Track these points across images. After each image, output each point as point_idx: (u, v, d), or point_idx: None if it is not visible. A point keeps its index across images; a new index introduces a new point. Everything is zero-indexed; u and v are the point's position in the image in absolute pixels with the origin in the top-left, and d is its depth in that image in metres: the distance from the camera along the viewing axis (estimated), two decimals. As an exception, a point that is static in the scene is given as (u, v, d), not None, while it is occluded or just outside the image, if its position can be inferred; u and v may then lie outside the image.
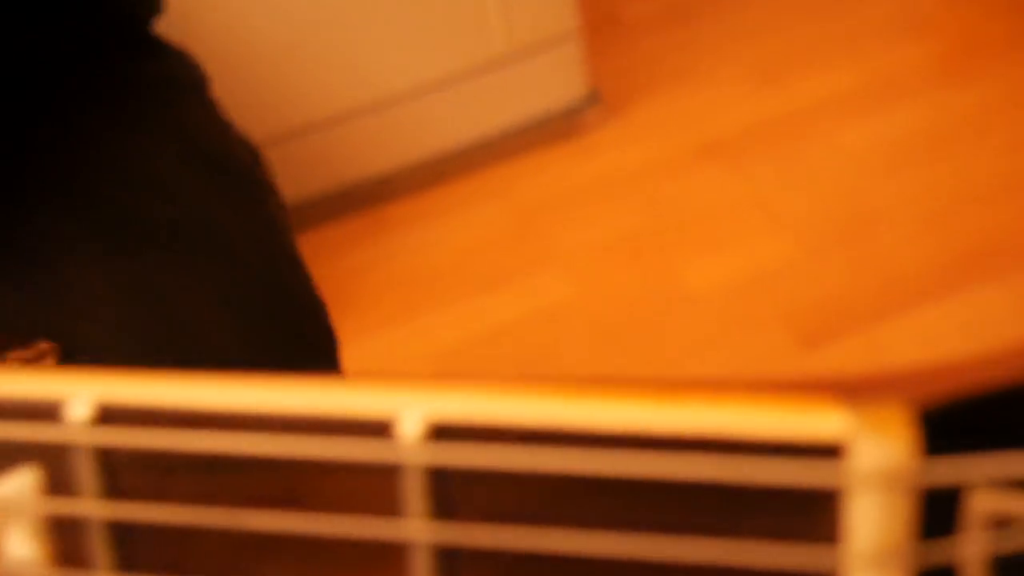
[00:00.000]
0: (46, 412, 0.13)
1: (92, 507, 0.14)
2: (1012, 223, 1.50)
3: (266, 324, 0.51)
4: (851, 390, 0.11)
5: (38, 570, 0.13)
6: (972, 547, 0.10)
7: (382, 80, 1.69)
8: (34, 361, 0.38)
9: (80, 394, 0.13)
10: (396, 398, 0.12)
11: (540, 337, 1.52)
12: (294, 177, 1.71)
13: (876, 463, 0.10)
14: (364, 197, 1.81)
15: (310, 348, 0.55)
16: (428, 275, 1.68)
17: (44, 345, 0.38)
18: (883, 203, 1.59)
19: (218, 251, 0.52)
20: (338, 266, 1.74)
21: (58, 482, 0.14)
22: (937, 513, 0.10)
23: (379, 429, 0.13)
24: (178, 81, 0.63)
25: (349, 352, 0.62)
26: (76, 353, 0.40)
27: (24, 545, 0.14)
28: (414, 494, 0.12)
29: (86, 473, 0.13)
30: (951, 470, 0.10)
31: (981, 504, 0.10)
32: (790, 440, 0.11)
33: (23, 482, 0.13)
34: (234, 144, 0.63)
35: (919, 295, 1.43)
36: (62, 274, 0.47)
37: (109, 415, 0.13)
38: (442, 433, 0.13)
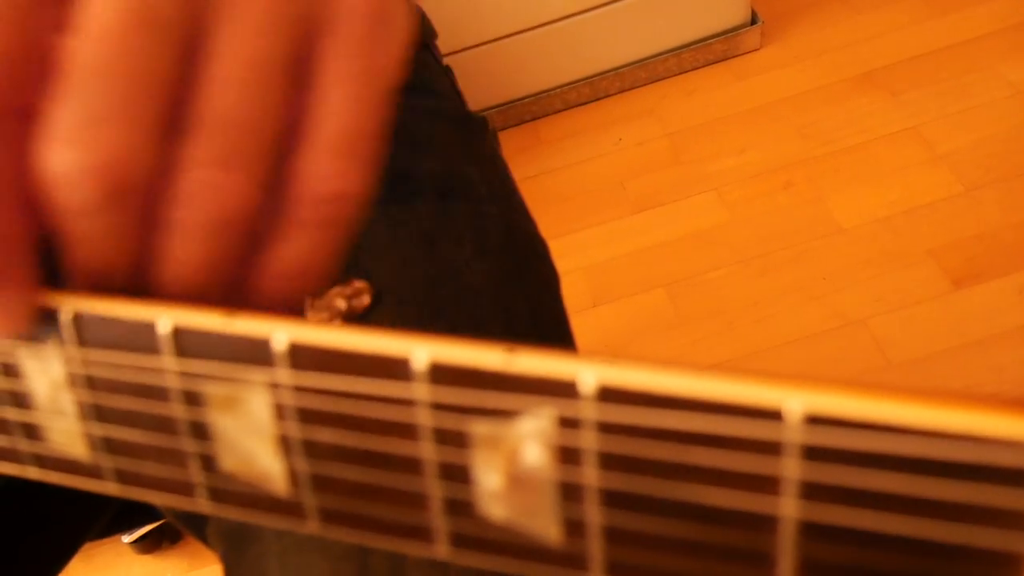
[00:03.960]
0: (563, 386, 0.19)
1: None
2: None
3: (508, 263, 0.57)
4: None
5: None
6: None
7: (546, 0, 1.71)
8: (353, 297, 0.45)
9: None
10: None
11: (688, 260, 1.55)
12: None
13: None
14: (522, 113, 1.85)
15: (540, 283, 0.60)
16: (581, 192, 1.73)
17: (359, 283, 0.44)
18: (1047, 142, 1.56)
19: (467, 199, 0.57)
20: (494, 179, 1.80)
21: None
22: None
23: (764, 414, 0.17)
24: (417, 37, 0.67)
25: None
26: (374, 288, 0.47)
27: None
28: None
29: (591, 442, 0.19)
30: None
31: None
32: None
33: (542, 421, 0.19)
34: (461, 95, 0.68)
35: (1079, 240, 1.41)
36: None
37: (611, 394, 0.19)
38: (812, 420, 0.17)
